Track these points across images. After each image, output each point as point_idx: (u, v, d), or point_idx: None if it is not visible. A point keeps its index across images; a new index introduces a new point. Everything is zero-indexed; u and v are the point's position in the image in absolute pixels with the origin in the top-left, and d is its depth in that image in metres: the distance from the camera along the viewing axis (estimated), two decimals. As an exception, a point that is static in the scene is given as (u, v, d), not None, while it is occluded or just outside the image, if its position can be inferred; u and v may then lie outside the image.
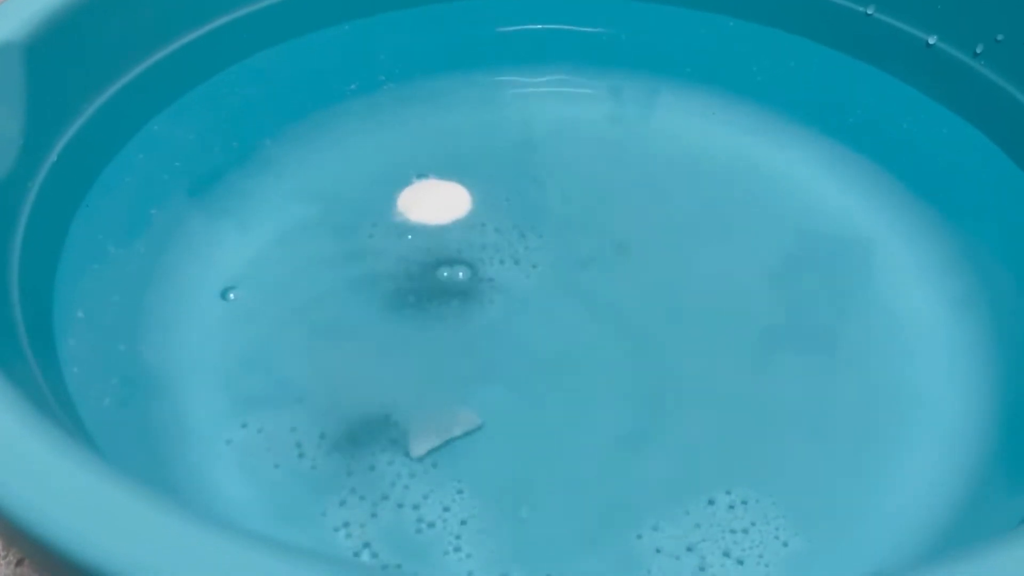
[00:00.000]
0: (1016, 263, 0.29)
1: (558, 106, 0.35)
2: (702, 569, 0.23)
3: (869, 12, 0.34)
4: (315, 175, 0.32)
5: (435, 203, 0.31)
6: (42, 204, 0.25)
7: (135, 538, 0.15)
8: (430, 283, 0.29)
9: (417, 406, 0.25)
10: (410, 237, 0.30)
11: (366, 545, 0.23)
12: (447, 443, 0.24)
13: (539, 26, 0.36)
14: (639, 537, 0.23)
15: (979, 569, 0.15)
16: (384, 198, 0.31)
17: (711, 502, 0.24)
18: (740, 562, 0.23)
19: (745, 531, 0.23)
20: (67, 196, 0.27)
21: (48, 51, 0.26)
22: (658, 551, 0.23)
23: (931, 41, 0.33)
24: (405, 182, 0.32)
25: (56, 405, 0.21)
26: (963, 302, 0.29)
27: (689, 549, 0.23)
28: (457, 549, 0.23)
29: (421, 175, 0.32)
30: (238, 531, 0.15)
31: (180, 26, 0.31)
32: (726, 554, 0.23)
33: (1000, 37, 0.31)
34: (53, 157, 0.26)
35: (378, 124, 0.34)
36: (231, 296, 0.28)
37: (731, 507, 0.24)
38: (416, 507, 0.23)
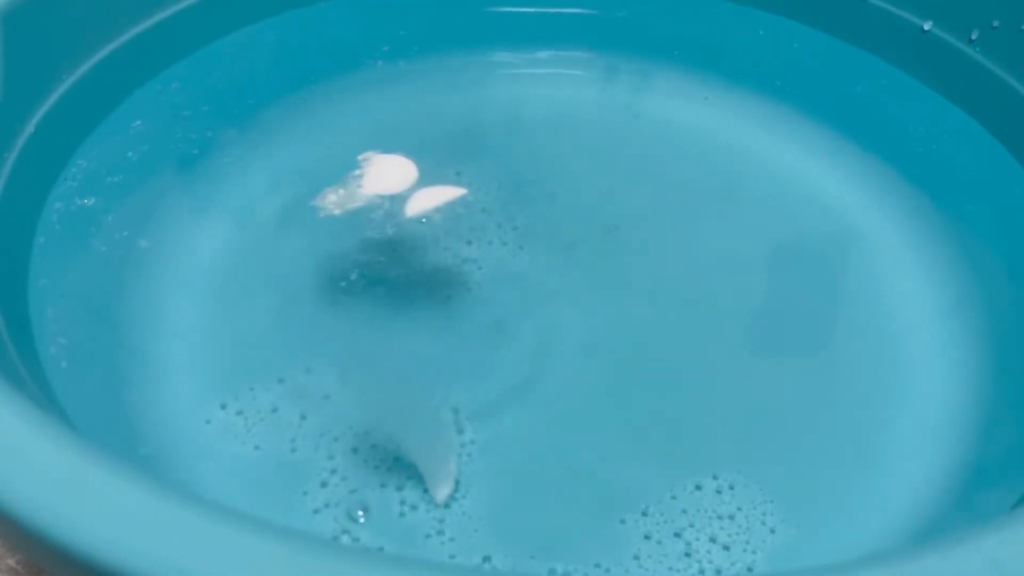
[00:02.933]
0: (1009, 253, 0.29)
1: (550, 88, 0.35)
2: (688, 555, 0.22)
3: (864, -3, 0.34)
4: (300, 152, 0.31)
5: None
6: (17, 177, 0.25)
7: (110, 515, 0.15)
8: (415, 263, 0.28)
9: (400, 394, 0.25)
10: (397, 216, 0.29)
11: (346, 529, 0.22)
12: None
13: (532, 9, 0.36)
14: (624, 522, 0.23)
15: (970, 553, 0.15)
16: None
17: (698, 487, 0.23)
18: (726, 548, 0.22)
19: (732, 517, 0.23)
20: (44, 169, 0.26)
21: (26, 21, 0.25)
22: (645, 537, 0.22)
23: (926, 27, 0.33)
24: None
25: (31, 382, 0.21)
26: (955, 292, 0.28)
27: (676, 534, 0.23)
28: (440, 532, 0.22)
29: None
30: (213, 507, 0.15)
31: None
32: (712, 539, 0.23)
33: (996, 23, 0.31)
34: (30, 129, 0.26)
35: (367, 102, 0.33)
36: (212, 273, 0.27)
37: (718, 492, 0.23)
38: (399, 489, 0.23)
